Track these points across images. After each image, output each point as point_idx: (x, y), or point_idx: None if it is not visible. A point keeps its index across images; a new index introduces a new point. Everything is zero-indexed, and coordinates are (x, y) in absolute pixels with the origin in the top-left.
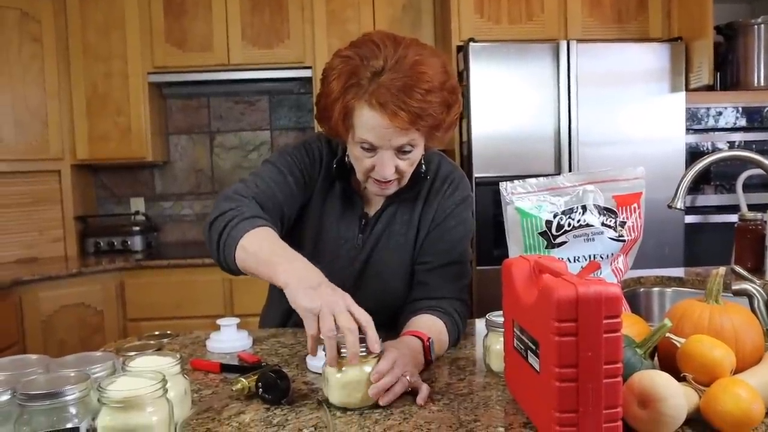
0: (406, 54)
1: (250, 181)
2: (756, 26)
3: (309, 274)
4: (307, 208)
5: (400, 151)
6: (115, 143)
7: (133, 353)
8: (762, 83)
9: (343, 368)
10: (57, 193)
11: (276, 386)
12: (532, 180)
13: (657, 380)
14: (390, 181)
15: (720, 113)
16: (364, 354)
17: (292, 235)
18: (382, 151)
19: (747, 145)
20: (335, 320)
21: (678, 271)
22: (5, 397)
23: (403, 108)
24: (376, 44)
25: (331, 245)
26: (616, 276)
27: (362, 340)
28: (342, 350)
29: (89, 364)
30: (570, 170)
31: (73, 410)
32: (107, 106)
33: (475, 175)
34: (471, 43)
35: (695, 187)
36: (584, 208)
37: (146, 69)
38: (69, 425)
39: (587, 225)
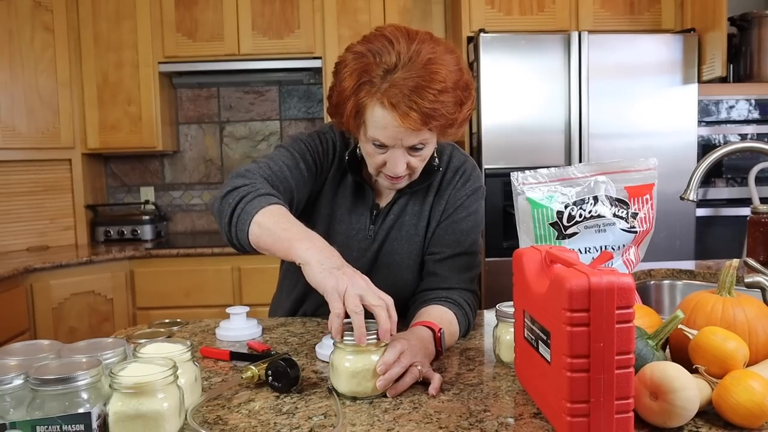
0: (420, 51)
1: (263, 163)
2: None
3: (330, 253)
4: (318, 199)
5: (412, 148)
6: (125, 132)
7: (143, 340)
8: None
9: (351, 357)
10: (68, 181)
11: (286, 374)
12: (544, 170)
13: (669, 372)
14: (401, 176)
15: (732, 106)
16: (374, 339)
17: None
18: (394, 149)
19: (760, 138)
20: (361, 300)
21: (689, 264)
22: (18, 382)
23: (414, 109)
24: (388, 39)
25: (342, 236)
26: (627, 267)
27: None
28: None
29: (101, 350)
30: (580, 162)
31: (84, 395)
32: (118, 96)
33: (485, 166)
34: (482, 34)
35: (706, 180)
36: (596, 198)
37: (157, 59)
38: (81, 410)
39: (599, 216)
